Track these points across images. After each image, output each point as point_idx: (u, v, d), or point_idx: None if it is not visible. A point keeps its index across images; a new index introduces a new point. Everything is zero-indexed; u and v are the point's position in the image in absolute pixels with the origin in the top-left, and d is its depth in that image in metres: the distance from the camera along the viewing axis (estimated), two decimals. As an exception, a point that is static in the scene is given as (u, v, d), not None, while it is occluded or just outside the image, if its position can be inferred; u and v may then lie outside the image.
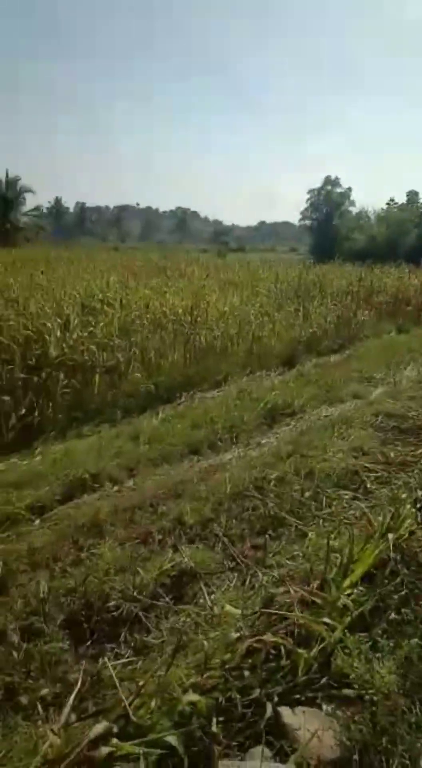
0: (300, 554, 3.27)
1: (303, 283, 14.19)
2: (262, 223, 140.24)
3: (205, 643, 2.13)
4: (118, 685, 1.84)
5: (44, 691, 2.42)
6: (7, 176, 47.37)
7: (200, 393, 7.05)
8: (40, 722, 2.27)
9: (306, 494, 4.11)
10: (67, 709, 1.62)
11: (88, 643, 2.74)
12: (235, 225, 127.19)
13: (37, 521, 3.98)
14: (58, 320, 6.93)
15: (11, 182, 47.14)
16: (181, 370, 7.28)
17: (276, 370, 8.52)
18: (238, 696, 1.48)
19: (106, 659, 2.31)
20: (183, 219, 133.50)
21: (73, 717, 1.85)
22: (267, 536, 3.57)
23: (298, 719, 1.31)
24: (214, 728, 1.35)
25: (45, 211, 78.08)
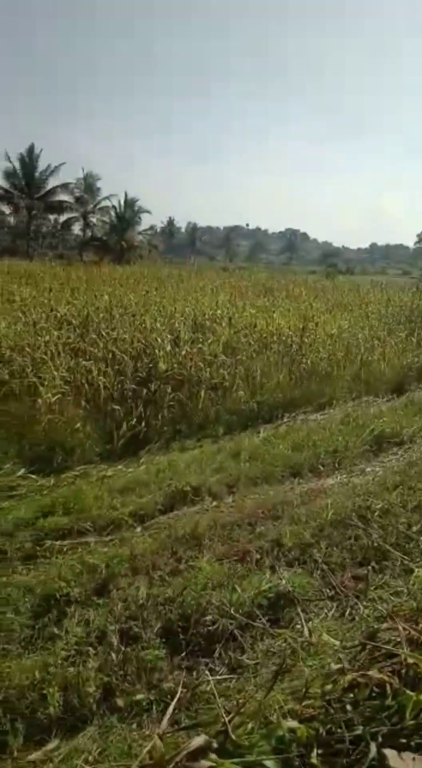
0: (405, 590, 3.10)
1: (417, 307, 13.63)
2: (373, 245, 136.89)
3: (306, 670, 2.08)
4: (217, 701, 1.84)
5: (139, 696, 2.48)
6: (126, 197, 50.13)
7: (303, 415, 6.95)
8: (134, 726, 2.34)
9: (414, 528, 3.90)
10: (167, 717, 1.64)
11: (184, 654, 2.77)
12: (345, 247, 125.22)
13: (139, 528, 4.10)
14: (169, 336, 7.17)
15: (130, 203, 49.81)
16: (284, 390, 7.23)
17: (384, 397, 8.21)
18: (339, 730, 1.42)
19: (206, 673, 2.32)
20: (292, 240, 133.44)
21: (168, 726, 1.87)
22: (369, 568, 3.43)
23: (406, 765, 1.23)
24: (314, 759, 1.30)
25: (158, 230, 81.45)
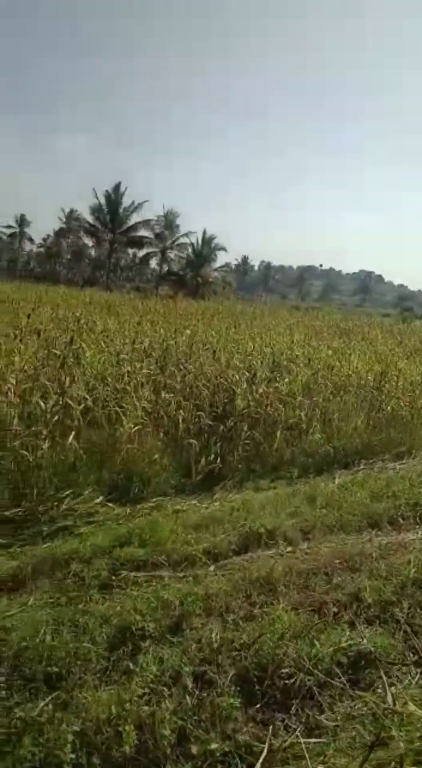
0: None
1: None
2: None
3: (401, 744, 1.95)
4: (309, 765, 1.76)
5: (214, 746, 2.41)
6: (204, 235, 51.50)
7: (381, 463, 6.73)
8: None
9: None
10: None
11: (259, 705, 2.68)
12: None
13: (212, 567, 4.05)
14: (246, 373, 7.19)
15: (207, 240, 51.10)
16: (362, 436, 7.05)
17: None
18: None
19: (297, 734, 2.23)
20: (366, 282, 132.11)
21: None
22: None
23: None
24: None
25: (233, 267, 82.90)
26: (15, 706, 2.48)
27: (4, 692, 2.57)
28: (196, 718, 2.55)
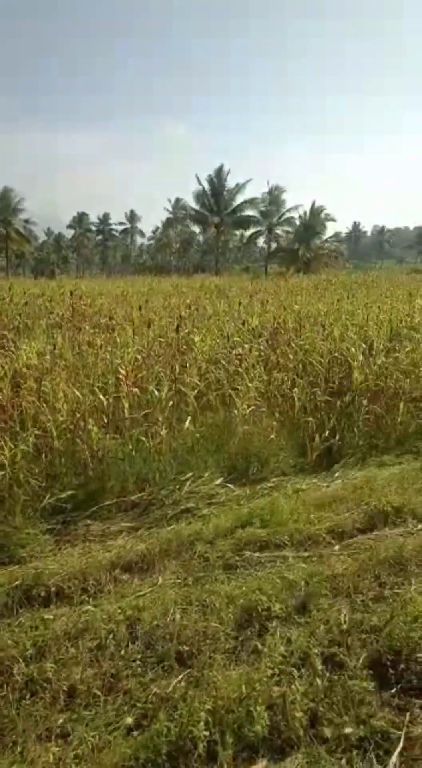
0: None
1: None
2: None
3: None
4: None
5: (348, 730, 2.34)
6: (312, 206, 50.12)
7: None
8: (344, 762, 2.21)
9: None
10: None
11: (394, 690, 2.57)
12: None
13: (337, 546, 3.94)
14: (363, 345, 6.89)
15: (316, 212, 49.69)
16: None
17: None
18: None
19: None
20: None
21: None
22: None
23: None
24: None
25: (343, 236, 79.96)
26: (150, 682, 2.59)
27: (139, 668, 2.68)
28: (327, 700, 2.49)
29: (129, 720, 2.36)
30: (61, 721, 2.37)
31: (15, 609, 3.17)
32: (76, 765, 2.14)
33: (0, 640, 2.84)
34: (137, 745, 2.22)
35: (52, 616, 3.04)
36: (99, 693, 2.51)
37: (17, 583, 3.34)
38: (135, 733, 2.31)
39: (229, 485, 4.84)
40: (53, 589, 3.31)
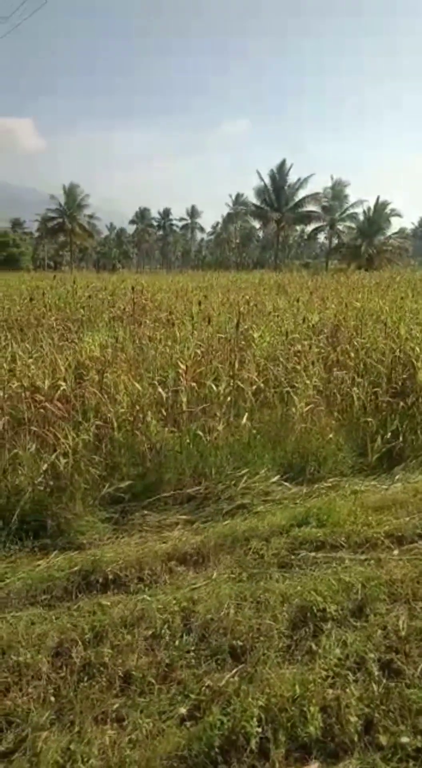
0: None
1: None
2: None
3: None
4: None
5: (405, 739, 2.28)
6: (377, 202, 48.88)
7: None
8: (400, 771, 2.16)
9: None
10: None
11: (454, 704, 2.48)
12: None
13: (396, 551, 3.83)
14: (429, 344, 6.65)
15: (380, 207, 48.41)
16: None
17: None
18: None
19: None
20: None
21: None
22: None
23: None
24: None
25: (409, 231, 77.48)
26: (204, 674, 2.61)
27: (193, 660, 2.71)
28: (383, 707, 2.43)
29: (182, 710, 2.38)
30: (116, 705, 2.42)
31: (74, 594, 3.26)
32: (130, 749, 2.18)
33: (60, 622, 2.94)
34: (190, 735, 2.24)
35: (109, 603, 3.11)
36: (153, 681, 2.55)
37: (77, 568, 3.44)
38: (188, 723, 2.33)
39: (286, 483, 4.80)
40: (111, 576, 3.39)
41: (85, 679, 2.57)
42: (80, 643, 2.76)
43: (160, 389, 5.26)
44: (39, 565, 3.54)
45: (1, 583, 3.38)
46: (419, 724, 2.36)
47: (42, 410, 4.82)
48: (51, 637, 2.80)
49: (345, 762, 2.20)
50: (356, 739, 2.29)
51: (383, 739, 2.29)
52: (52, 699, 2.44)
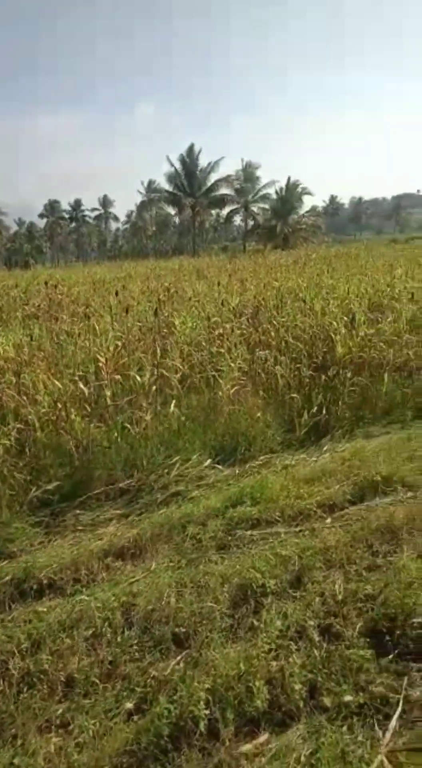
0: None
1: None
2: None
3: None
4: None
5: (348, 698, 2.36)
6: (288, 182, 49.78)
7: None
8: (345, 729, 2.23)
9: None
10: (389, 732, 1.50)
11: (391, 656, 2.59)
12: None
13: (329, 519, 3.95)
14: (344, 318, 6.87)
15: (291, 187, 49.37)
16: None
17: None
18: None
19: None
20: None
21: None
22: None
23: None
24: None
25: (321, 210, 79.56)
26: (148, 666, 2.58)
27: (137, 653, 2.67)
28: (326, 671, 2.50)
29: (129, 705, 2.35)
30: (60, 711, 2.36)
31: (7, 604, 3.13)
32: (78, 753, 2.13)
33: (-6, 636, 2.81)
34: (138, 729, 2.21)
35: (45, 609, 3.01)
36: (97, 681, 2.50)
37: (8, 578, 3.30)
38: (135, 717, 2.30)
39: (218, 466, 4.82)
40: (45, 581, 3.28)
41: (25, 689, 2.47)
42: (17, 653, 2.66)
43: (81, 385, 5.12)
44: (-33, 579, 3.37)
45: None
46: (360, 681, 2.45)
47: None
48: (-16, 651, 2.68)
49: (293, 729, 2.25)
50: (301, 705, 2.34)
51: (327, 701, 2.36)
52: (-10, 716, 2.33)
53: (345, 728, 2.23)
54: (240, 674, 2.45)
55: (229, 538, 3.74)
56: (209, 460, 4.84)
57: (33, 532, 3.89)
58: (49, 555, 3.57)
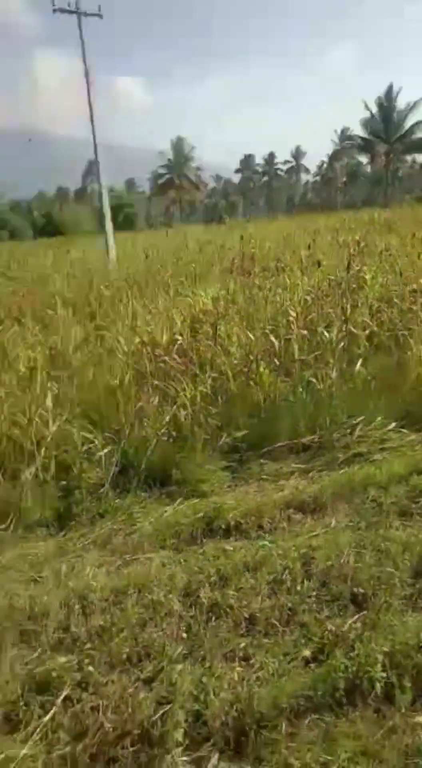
0: None
1: None
2: None
3: None
4: None
5: None
6: None
7: None
8: None
9: None
10: None
11: None
12: None
13: None
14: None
15: None
16: None
17: None
18: None
19: None
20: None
21: None
22: None
23: None
24: None
25: None
26: (326, 619, 2.66)
27: (315, 605, 2.77)
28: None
29: (306, 652, 2.46)
30: (243, 645, 2.55)
31: (199, 539, 3.45)
32: (258, 686, 2.30)
33: (188, 565, 3.12)
34: (315, 677, 2.31)
35: (232, 548, 3.25)
36: (277, 623, 2.65)
37: (200, 515, 3.61)
38: (312, 665, 2.41)
39: (403, 430, 4.62)
40: (232, 523, 3.52)
41: (213, 618, 2.72)
42: (207, 585, 2.93)
43: (272, 338, 5.23)
44: (166, 512, 3.76)
45: (133, 526, 3.65)
46: None
47: (161, 364, 5.00)
48: (180, 578, 2.99)
49: None
50: None
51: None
52: (184, 635, 2.62)
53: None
54: (419, 644, 2.41)
55: (413, 505, 3.62)
56: (394, 423, 4.66)
57: (222, 476, 4.18)
58: (235, 499, 3.82)
